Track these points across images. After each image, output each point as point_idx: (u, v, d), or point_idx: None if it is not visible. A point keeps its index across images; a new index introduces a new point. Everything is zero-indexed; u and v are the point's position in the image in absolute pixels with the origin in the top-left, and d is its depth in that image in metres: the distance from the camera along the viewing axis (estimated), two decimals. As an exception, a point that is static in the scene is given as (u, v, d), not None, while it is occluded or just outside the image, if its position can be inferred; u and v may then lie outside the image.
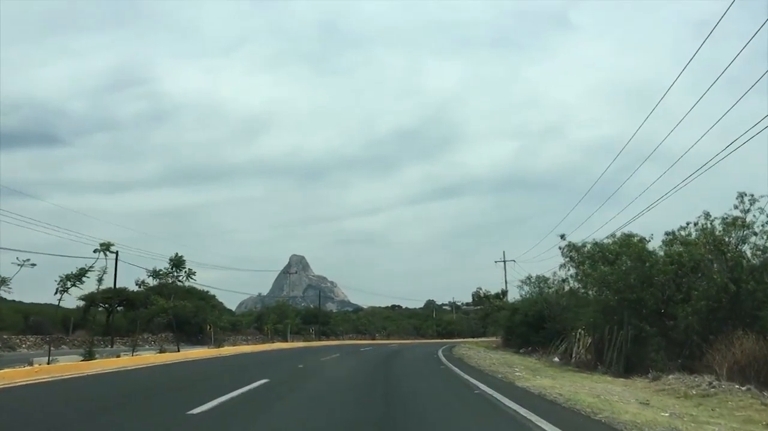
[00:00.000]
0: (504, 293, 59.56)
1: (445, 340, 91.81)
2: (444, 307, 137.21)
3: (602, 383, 15.51)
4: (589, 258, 22.51)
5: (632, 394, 12.57)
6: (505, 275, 60.71)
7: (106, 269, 21.80)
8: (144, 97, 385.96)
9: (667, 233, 20.41)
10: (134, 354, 22.41)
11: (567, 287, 29.45)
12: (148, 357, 21.55)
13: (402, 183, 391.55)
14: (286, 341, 76.53)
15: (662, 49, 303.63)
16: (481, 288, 60.66)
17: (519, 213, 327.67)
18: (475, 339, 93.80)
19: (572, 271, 25.49)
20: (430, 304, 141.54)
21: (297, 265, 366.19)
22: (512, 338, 42.82)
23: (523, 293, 44.38)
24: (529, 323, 33.40)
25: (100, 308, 61.88)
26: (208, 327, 59.64)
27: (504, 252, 62.33)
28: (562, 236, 25.80)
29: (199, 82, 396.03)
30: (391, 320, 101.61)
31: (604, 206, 31.61)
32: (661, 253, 20.12)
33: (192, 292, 69.62)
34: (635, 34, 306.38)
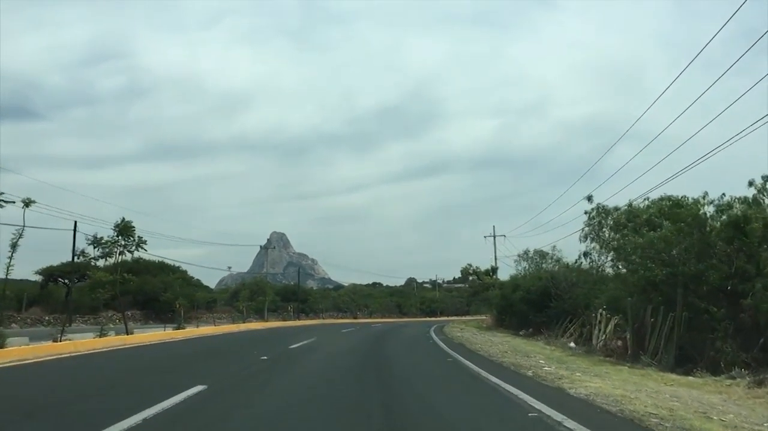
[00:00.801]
0: (494, 269, 55.66)
1: (429, 319, 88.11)
2: (425, 285, 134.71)
3: (669, 385, 11.38)
4: (621, 225, 18.29)
5: (752, 409, 8.40)
6: (495, 252, 56.78)
7: (22, 231, 17.17)
8: (123, 71, 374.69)
9: (721, 197, 16.22)
10: (61, 338, 17.76)
11: (584, 261, 25.25)
12: (57, 346, 16.59)
13: (384, 160, 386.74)
14: (264, 319, 72.34)
15: (643, 29, 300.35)
16: (470, 265, 56.51)
17: (500, 191, 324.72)
18: (462, 318, 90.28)
19: (594, 243, 21.33)
20: (411, 281, 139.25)
21: (278, 242, 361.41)
22: (507, 317, 38.87)
23: (520, 269, 40.45)
24: (531, 301, 29.33)
25: (60, 283, 57.12)
26: (177, 305, 55.08)
27: (494, 227, 58.37)
28: (589, 198, 21.55)
29: (179, 57, 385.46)
30: (373, 297, 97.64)
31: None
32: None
33: (163, 267, 64.98)
34: (617, 13, 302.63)
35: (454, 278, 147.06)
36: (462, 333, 30.35)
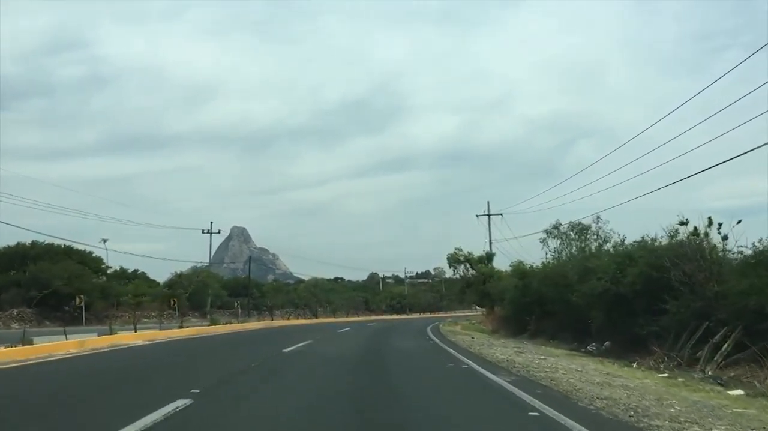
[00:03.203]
0: (489, 256, 43.10)
1: (401, 317, 75.32)
2: (387, 280, 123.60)
3: None
4: None
5: None
6: (490, 234, 44.30)
7: None
8: (83, 61, 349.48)
9: None
10: None
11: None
12: None
13: (348, 155, 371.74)
14: (206, 316, 58.41)
15: (606, 27, 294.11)
16: (459, 250, 43.78)
17: (464, 186, 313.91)
18: (437, 316, 78.10)
19: None
20: (373, 276, 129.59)
21: (238, 236, 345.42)
22: (532, 319, 26.31)
23: (550, 250, 27.99)
24: (620, 297, 16.39)
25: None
26: (78, 301, 40.95)
27: (488, 203, 45.88)
28: None
29: (141, 48, 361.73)
30: (336, 292, 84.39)
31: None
32: None
33: (70, 253, 50.52)
34: (580, 11, 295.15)
35: (417, 273, 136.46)
36: (492, 350, 17.60)
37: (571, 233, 26.47)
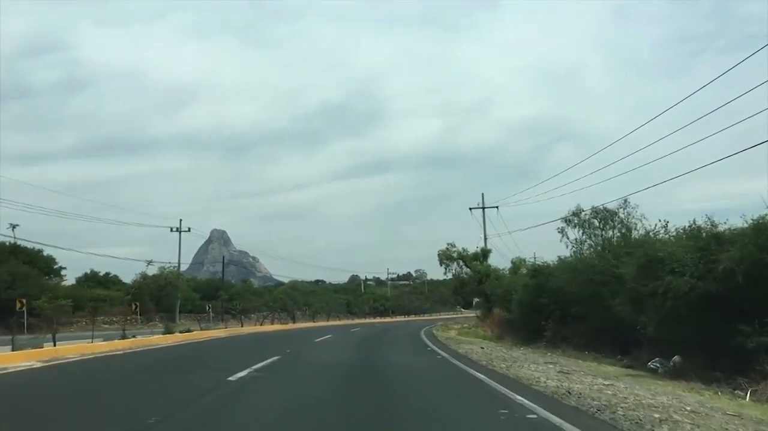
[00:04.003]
0: (485, 254, 38.39)
1: (385, 320, 70.41)
2: (369, 282, 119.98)
3: None
4: None
5: None
6: (485, 229, 39.63)
7: None
8: (62, 64, 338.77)
9: None
10: None
11: None
12: None
13: (328, 158, 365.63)
14: (175, 321, 52.97)
15: (584, 32, 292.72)
16: (452, 245, 39.05)
17: (445, 189, 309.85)
18: (432, 318, 73.44)
19: None
20: (354, 279, 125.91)
21: (218, 240, 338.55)
22: (536, 324, 21.63)
23: (572, 242, 23.32)
24: (717, 297, 11.54)
25: None
26: (18, 305, 35.46)
27: (483, 195, 41.20)
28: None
29: (121, 51, 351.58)
30: (317, 295, 79.15)
31: None
32: None
33: (16, 252, 44.85)
34: (559, 16, 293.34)
35: (398, 275, 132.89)
36: (525, 370, 12.81)
37: (595, 220, 21.86)
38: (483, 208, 40.08)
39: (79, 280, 59.61)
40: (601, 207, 21.82)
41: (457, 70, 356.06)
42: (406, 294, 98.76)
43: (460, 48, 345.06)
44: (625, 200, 21.34)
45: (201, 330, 28.06)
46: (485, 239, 39.44)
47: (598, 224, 21.87)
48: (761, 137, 12.80)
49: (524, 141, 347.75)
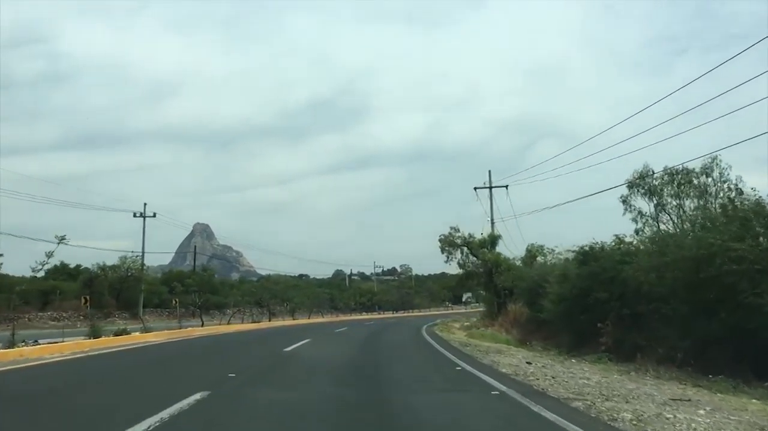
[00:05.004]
0: (493, 239, 32.17)
1: (373, 316, 64.15)
2: (353, 276, 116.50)
3: None
4: None
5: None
6: (492, 212, 33.46)
7: None
8: (44, 56, 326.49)
9: None
10: None
11: None
12: None
13: (314, 153, 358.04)
14: (137, 318, 46.23)
15: (571, 29, 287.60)
16: (456, 230, 32.80)
17: (430, 185, 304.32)
18: (421, 314, 67.02)
19: None
20: (339, 273, 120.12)
21: (201, 233, 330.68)
22: (582, 326, 15.63)
23: (641, 216, 17.18)
24: None
25: None
26: None
27: (489, 172, 35.01)
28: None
29: (105, 43, 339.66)
30: (299, 289, 72.46)
31: None
32: None
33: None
34: (545, 13, 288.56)
35: (383, 269, 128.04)
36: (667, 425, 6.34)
37: (672, 184, 15.78)
38: (490, 187, 33.91)
39: (47, 272, 52.49)
40: (681, 166, 15.71)
41: (442, 66, 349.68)
42: (394, 289, 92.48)
43: (446, 45, 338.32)
44: (713, 159, 15.26)
45: (142, 332, 21.43)
46: (492, 223, 33.26)
47: (674, 190, 15.73)
48: None
49: (509, 138, 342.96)
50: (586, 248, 16.76)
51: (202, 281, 47.74)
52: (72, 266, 55.40)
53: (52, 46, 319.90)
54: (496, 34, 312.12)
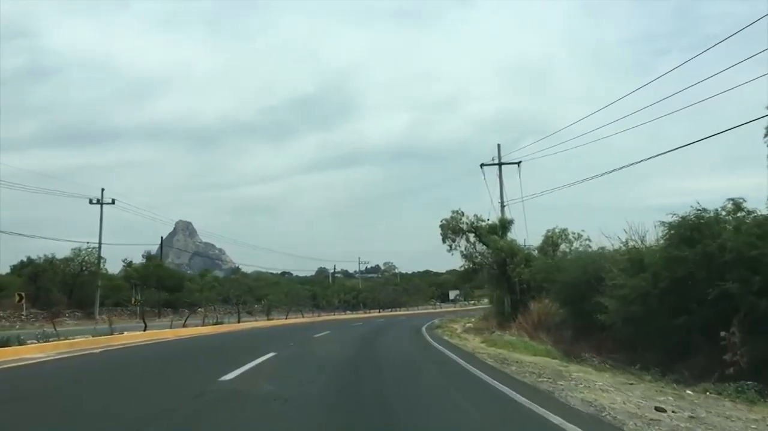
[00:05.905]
0: (504, 224, 26.49)
1: (359, 315, 58.17)
2: (337, 274, 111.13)
3: None
4: None
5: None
6: (502, 193, 27.84)
7: None
8: (25, 51, 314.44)
9: None
10: None
11: None
12: None
13: (299, 151, 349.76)
14: (93, 317, 40.04)
15: (553, 28, 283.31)
16: (461, 213, 27.03)
17: (415, 183, 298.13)
18: (410, 312, 61.03)
19: None
20: (322, 271, 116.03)
21: (183, 231, 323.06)
22: (669, 335, 9.79)
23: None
24: None
25: None
26: None
27: (499, 146, 29.31)
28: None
29: (88, 39, 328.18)
30: (280, 286, 66.49)
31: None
32: None
33: None
34: (528, 12, 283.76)
35: (366, 267, 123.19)
36: None
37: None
38: (500, 164, 28.25)
39: (13, 268, 45.89)
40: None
41: (428, 65, 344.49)
42: (381, 286, 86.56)
43: (432, 43, 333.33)
44: None
45: (62, 341, 15.24)
46: (502, 205, 27.60)
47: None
48: None
49: (494, 136, 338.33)
50: (691, 219, 11.04)
51: (148, 272, 41.15)
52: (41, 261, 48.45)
53: (35, 41, 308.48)
54: (482, 32, 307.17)
